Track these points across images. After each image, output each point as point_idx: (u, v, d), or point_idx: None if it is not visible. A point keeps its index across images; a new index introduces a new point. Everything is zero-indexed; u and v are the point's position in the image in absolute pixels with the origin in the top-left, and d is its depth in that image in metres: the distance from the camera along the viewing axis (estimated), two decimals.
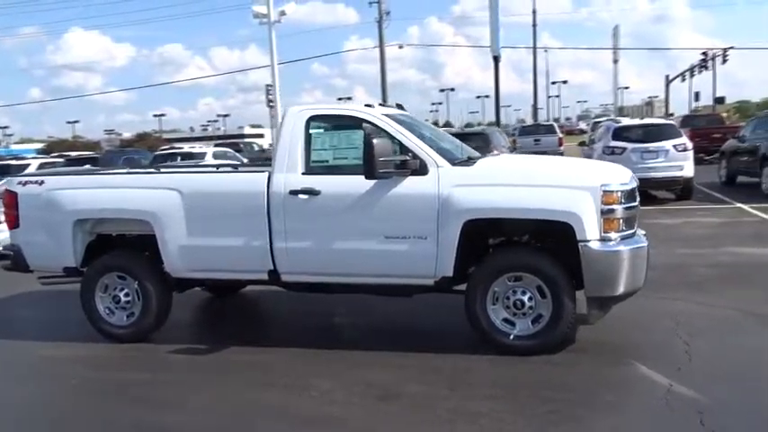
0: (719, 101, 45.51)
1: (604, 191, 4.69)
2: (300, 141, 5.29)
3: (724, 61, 41.33)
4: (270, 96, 45.33)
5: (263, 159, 29.02)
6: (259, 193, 5.25)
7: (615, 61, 71.38)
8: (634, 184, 4.94)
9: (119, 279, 5.77)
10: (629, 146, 12.83)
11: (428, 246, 4.93)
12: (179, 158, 17.25)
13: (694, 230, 9.66)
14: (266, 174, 5.32)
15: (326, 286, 5.51)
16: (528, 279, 4.87)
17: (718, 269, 7.34)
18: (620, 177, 4.90)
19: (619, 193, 4.73)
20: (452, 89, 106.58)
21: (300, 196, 5.15)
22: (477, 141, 15.74)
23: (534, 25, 42.70)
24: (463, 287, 5.08)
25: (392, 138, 5.10)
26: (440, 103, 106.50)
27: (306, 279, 5.40)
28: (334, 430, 3.92)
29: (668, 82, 58.97)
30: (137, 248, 5.94)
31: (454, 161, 5.13)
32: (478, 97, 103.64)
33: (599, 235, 4.66)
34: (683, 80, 54.64)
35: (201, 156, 17.16)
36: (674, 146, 12.67)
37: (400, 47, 42.16)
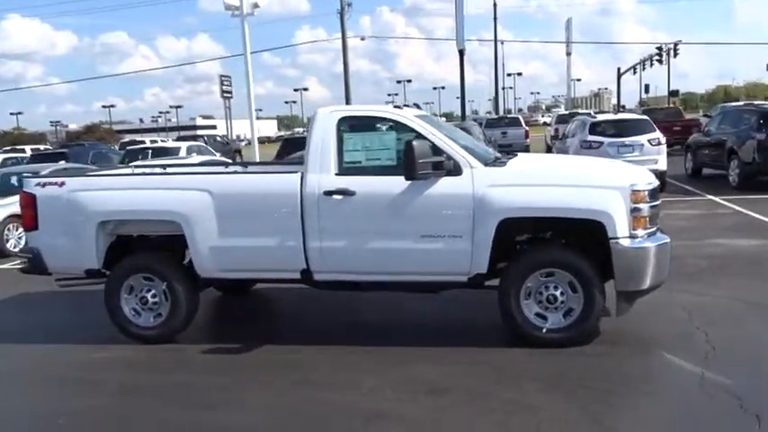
0: (674, 94, 47.22)
1: (633, 190, 4.95)
2: (332, 142, 5.37)
3: (675, 55, 42.84)
4: (225, 87, 44.62)
5: (231, 152, 28.72)
6: (293, 193, 5.32)
7: (568, 54, 72.98)
8: (656, 184, 5.21)
9: (145, 280, 5.75)
10: (606, 140, 13.27)
11: (463, 244, 5.09)
12: (150, 153, 16.88)
13: (676, 222, 10.07)
14: (299, 174, 5.38)
15: (357, 284, 5.62)
16: (560, 275, 5.09)
17: (708, 260, 7.73)
18: (646, 178, 5.16)
19: (645, 193, 4.99)
20: (409, 80, 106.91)
21: (335, 197, 5.24)
22: None
23: (495, 18, 43.33)
24: (490, 282, 5.28)
25: (425, 139, 5.23)
26: (396, 94, 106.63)
27: (339, 277, 5.49)
28: (399, 424, 4.05)
29: (620, 75, 60.55)
30: (161, 249, 5.92)
31: (486, 162, 5.30)
32: (435, 88, 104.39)
33: (628, 232, 4.91)
34: (635, 73, 56.35)
35: (176, 150, 16.87)
36: (649, 140, 13.17)
37: (362, 38, 41.92)
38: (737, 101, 47.44)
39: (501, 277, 5.22)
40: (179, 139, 31.59)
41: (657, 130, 13.55)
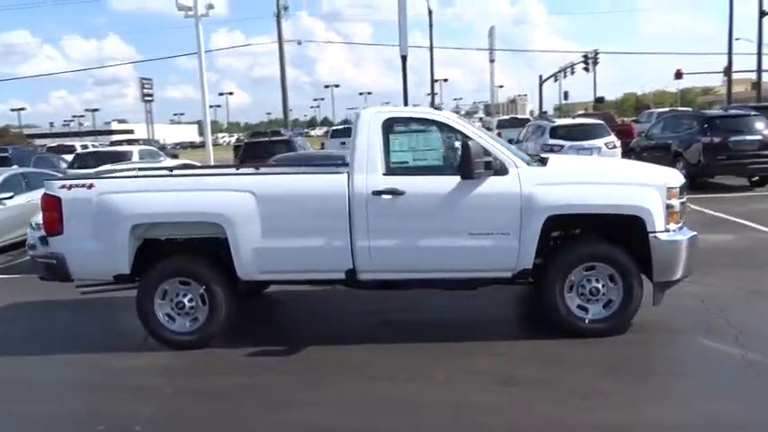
0: (599, 100, 49.84)
1: (668, 187, 5.31)
2: (378, 143, 5.45)
3: (596, 63, 45.23)
4: (146, 90, 43.22)
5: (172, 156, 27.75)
6: (341, 194, 5.36)
7: (492, 61, 75.01)
8: (684, 182, 5.60)
9: (181, 285, 5.62)
10: (567, 143, 13.92)
11: (510, 240, 5.30)
12: (103, 158, 16.14)
13: None
14: (345, 175, 5.43)
15: (400, 283, 5.71)
16: (601, 268, 5.38)
17: None
18: (676, 176, 5.54)
19: (677, 189, 5.37)
20: (337, 85, 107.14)
21: (384, 196, 5.32)
22: None
23: (431, 25, 44.14)
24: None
25: (471, 140, 5.41)
26: (322, 99, 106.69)
27: (384, 276, 5.56)
28: (485, 413, 4.20)
29: (541, 82, 63.13)
30: (193, 252, 5.80)
31: (528, 162, 5.54)
32: (361, 94, 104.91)
33: (663, 227, 5.27)
34: (556, 80, 58.95)
35: (129, 155, 16.24)
36: (606, 144, 13.92)
37: (299, 43, 41.64)
38: (648, 107, 50.66)
39: (543, 272, 5.45)
40: (113, 143, 30.24)
41: (613, 134, 14.33)
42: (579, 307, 5.42)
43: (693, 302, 6.16)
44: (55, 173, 13.65)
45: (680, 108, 32.81)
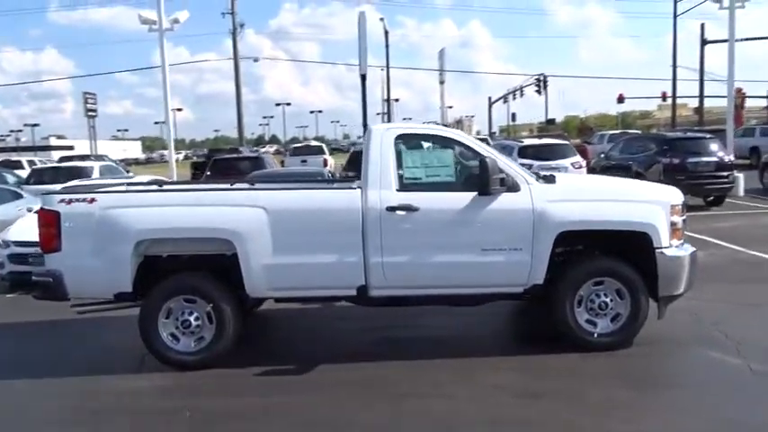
0: (550, 122, 51.47)
1: (671, 205, 5.50)
2: (391, 159, 5.46)
3: (545, 86, 46.72)
4: (89, 105, 42.12)
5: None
6: (355, 209, 5.33)
7: (442, 82, 76.48)
8: (684, 200, 5.80)
9: (186, 302, 5.45)
10: (536, 163, 14.21)
11: (523, 256, 5.37)
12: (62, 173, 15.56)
13: None
14: (358, 190, 5.41)
15: (408, 299, 5.69)
16: (609, 283, 5.51)
17: None
18: (678, 195, 5.73)
19: (679, 207, 5.57)
20: (288, 104, 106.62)
21: (398, 212, 5.32)
22: None
23: (387, 46, 44.59)
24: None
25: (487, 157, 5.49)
26: (271, 117, 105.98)
27: (397, 293, 5.54)
28: (520, 426, 4.23)
29: (491, 103, 64.66)
30: (197, 269, 5.63)
31: (537, 179, 5.64)
32: (312, 112, 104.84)
33: (668, 242, 5.45)
34: (505, 102, 60.47)
35: (89, 170, 15.69)
36: (572, 163, 14.33)
37: (255, 60, 41.35)
38: (591, 129, 52.54)
39: (553, 287, 5.53)
40: (63, 159, 29.13)
41: (578, 155, 14.76)
42: (588, 321, 5.52)
43: (687, 317, 6.34)
44: (10, 188, 13.11)
45: (630, 131, 34.04)
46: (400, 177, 5.47)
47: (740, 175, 16.05)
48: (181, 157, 65.33)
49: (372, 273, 5.38)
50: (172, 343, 5.46)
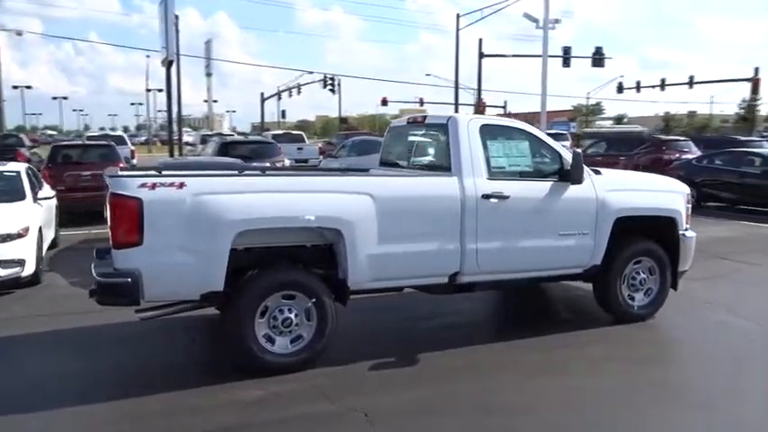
0: (343, 120, 53.27)
1: (686, 194, 6.52)
2: (480, 148, 5.60)
3: (336, 84, 48.15)
4: None
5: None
6: (455, 196, 5.37)
7: (208, 74, 74.12)
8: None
9: (284, 299, 4.95)
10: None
11: (588, 239, 5.94)
12: None
13: None
14: (455, 178, 5.44)
15: (488, 284, 5.90)
16: (645, 261, 6.32)
17: None
18: (687, 185, 6.77)
19: (690, 196, 6.61)
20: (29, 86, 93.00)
21: (492, 200, 5.49)
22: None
23: (178, 37, 41.49)
24: None
25: (552, 149, 5.92)
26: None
27: (483, 278, 5.68)
28: (666, 389, 4.76)
29: (263, 100, 64.21)
30: (292, 261, 5.15)
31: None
32: (55, 98, 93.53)
33: (686, 226, 6.45)
34: (279, 98, 60.92)
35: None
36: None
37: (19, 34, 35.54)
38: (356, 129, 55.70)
39: (605, 267, 6.11)
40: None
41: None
42: (629, 296, 6.27)
43: (690, 302, 6.93)
44: None
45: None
46: (489, 166, 5.62)
47: None
48: None
49: (466, 259, 5.45)
50: (267, 344, 4.91)
